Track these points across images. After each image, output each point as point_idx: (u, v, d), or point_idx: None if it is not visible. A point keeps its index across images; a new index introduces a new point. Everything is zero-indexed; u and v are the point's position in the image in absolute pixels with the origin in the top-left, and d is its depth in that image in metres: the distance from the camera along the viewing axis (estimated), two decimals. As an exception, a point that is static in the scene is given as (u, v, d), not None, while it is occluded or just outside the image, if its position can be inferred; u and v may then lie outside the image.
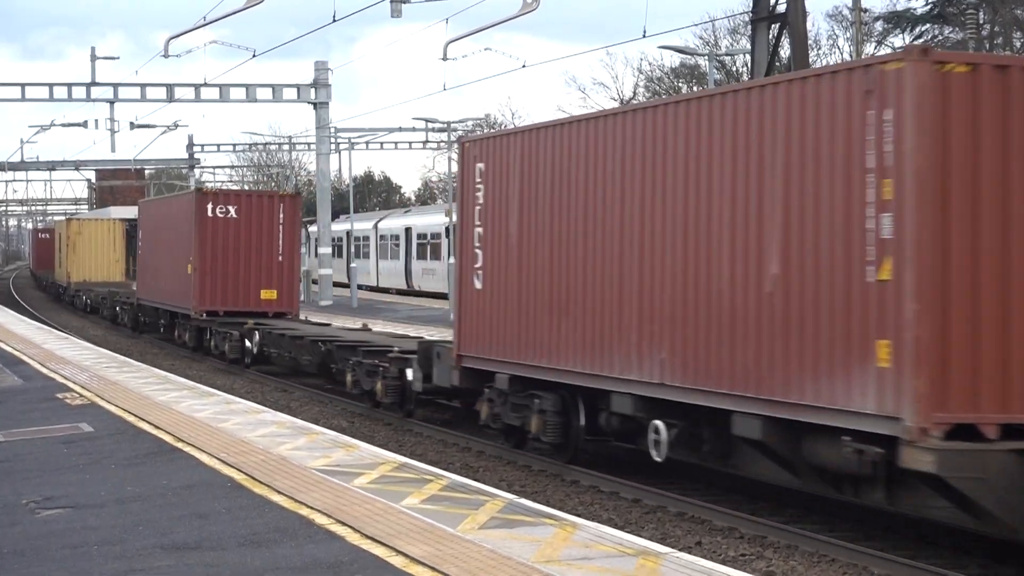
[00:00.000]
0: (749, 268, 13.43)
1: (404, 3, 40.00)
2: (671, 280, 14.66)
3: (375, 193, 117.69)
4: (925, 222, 11.50)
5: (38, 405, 21.11)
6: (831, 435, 12.46)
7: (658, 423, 15.07)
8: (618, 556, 10.21)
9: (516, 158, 18.03)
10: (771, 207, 13.12)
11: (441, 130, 71.12)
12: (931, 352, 11.43)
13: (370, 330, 31.14)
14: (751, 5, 29.34)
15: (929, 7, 61.27)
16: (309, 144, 78.54)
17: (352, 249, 70.38)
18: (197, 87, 54.77)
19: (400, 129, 76.76)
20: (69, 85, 55.41)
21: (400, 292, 62.81)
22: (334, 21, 39.73)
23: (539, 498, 15.59)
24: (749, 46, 30.24)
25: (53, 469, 15.32)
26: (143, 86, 55.85)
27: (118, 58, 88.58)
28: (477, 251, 18.84)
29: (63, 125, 72.44)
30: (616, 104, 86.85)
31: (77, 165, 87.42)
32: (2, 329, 39.62)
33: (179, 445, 16.22)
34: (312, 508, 12.08)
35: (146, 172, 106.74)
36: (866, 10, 62.64)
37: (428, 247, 60.43)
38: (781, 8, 27.42)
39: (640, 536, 12.26)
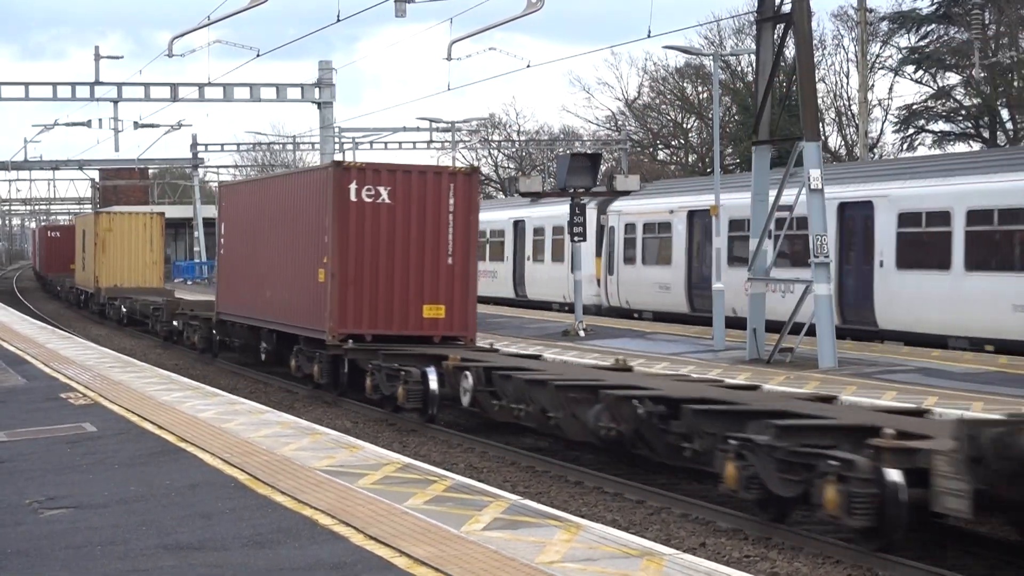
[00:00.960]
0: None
1: (408, 3, 39.98)
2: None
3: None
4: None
5: (41, 405, 21.09)
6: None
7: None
8: (622, 557, 10.18)
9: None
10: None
11: (445, 130, 71.17)
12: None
13: (631, 368, 21.94)
14: (756, 5, 29.30)
15: (934, 7, 61.28)
16: (313, 144, 78.53)
17: None
18: (201, 86, 54.78)
19: (404, 129, 76.77)
20: (73, 84, 55.40)
21: None
22: (338, 21, 39.57)
23: (543, 499, 15.57)
24: (754, 46, 30.17)
25: (56, 469, 15.30)
26: (147, 85, 55.87)
27: (122, 57, 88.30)
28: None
29: (67, 124, 72.49)
30: (621, 103, 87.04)
31: (81, 164, 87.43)
32: (8, 330, 39.61)
33: (182, 445, 16.20)
34: (316, 509, 12.05)
35: (150, 172, 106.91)
36: (871, 10, 62.57)
37: None
38: (786, 8, 27.38)
39: (644, 537, 12.23)
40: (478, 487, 13.44)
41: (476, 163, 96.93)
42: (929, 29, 62.56)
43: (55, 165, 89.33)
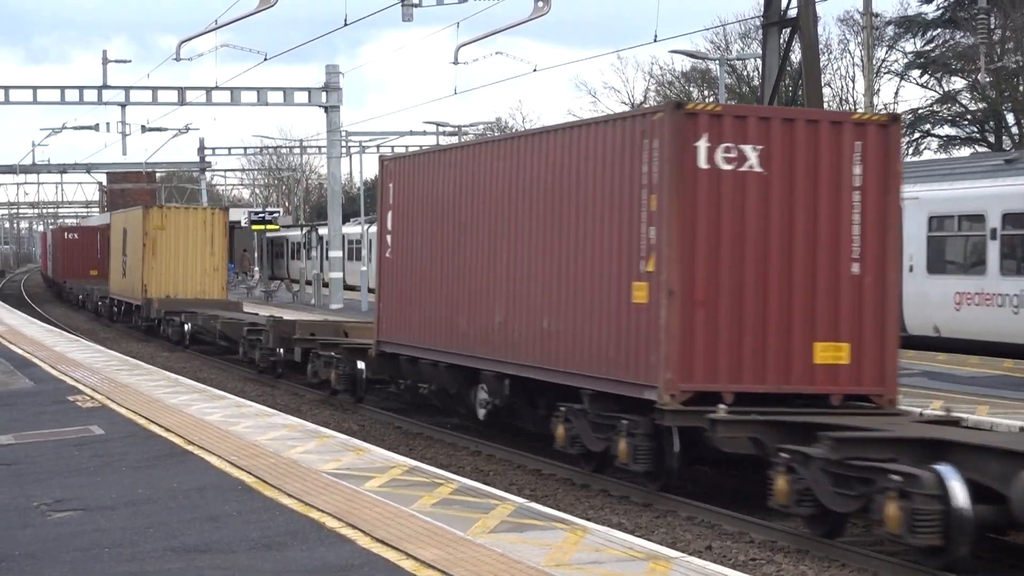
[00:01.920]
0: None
1: (415, 7, 40.04)
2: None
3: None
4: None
5: (49, 408, 21.14)
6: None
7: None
8: (628, 560, 10.21)
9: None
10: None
11: (452, 134, 71.22)
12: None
13: None
14: (762, 10, 29.32)
15: (940, 12, 61.25)
16: (320, 147, 78.64)
17: (368, 252, 70.05)
18: (208, 90, 54.83)
19: (411, 133, 76.81)
20: (81, 88, 55.47)
21: None
22: (345, 25, 39.61)
23: (549, 502, 15.59)
24: (760, 51, 30.20)
25: (64, 471, 15.35)
26: (154, 89, 55.92)
27: (130, 61, 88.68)
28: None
29: (74, 128, 72.57)
30: (627, 107, 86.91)
31: (89, 168, 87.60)
32: (16, 333, 39.67)
33: (190, 448, 16.24)
34: (323, 511, 12.09)
35: (157, 175, 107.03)
36: (877, 15, 62.53)
37: None
38: (792, 13, 27.41)
39: (650, 540, 12.25)
40: (485, 490, 13.47)
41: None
42: (935, 34, 62.52)
43: (63, 169, 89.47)
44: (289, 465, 14.72)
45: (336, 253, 55.58)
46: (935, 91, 64.78)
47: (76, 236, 75.46)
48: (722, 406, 14.90)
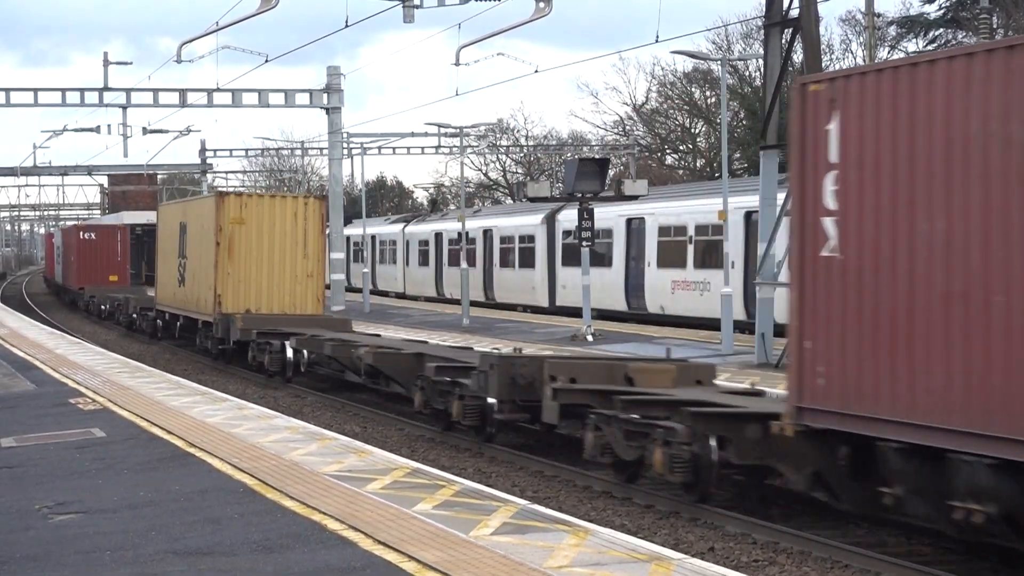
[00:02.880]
0: None
1: (416, 8, 40.03)
2: None
3: (387, 198, 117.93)
4: None
5: (50, 410, 21.13)
6: None
7: None
8: (631, 562, 10.19)
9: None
10: None
11: (454, 135, 71.18)
12: None
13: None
14: (764, 10, 29.31)
15: (942, 12, 61.28)
16: (321, 149, 78.64)
17: (374, 254, 69.88)
18: (209, 92, 54.84)
19: (412, 134, 76.82)
20: (82, 90, 55.46)
21: (429, 299, 60.80)
22: (347, 26, 39.58)
23: (552, 504, 15.57)
24: (762, 51, 30.17)
25: (65, 474, 15.33)
26: (156, 91, 55.94)
27: (131, 63, 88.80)
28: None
29: (76, 130, 72.56)
30: (629, 108, 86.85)
31: (90, 170, 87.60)
32: (18, 336, 39.67)
33: (191, 450, 16.23)
34: (324, 514, 12.07)
35: (158, 177, 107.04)
36: (879, 15, 62.59)
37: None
38: (794, 13, 27.39)
39: (653, 542, 12.23)
40: (487, 492, 13.46)
41: (484, 168, 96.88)
42: (937, 33, 62.52)
43: (64, 171, 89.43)
44: (291, 467, 14.71)
45: (338, 255, 55.58)
46: (937, 91, 64.74)
47: (94, 236, 65.92)
48: None
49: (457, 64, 42.50)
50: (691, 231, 38.75)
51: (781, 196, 27.69)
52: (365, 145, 68.80)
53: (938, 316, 11.78)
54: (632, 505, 16.15)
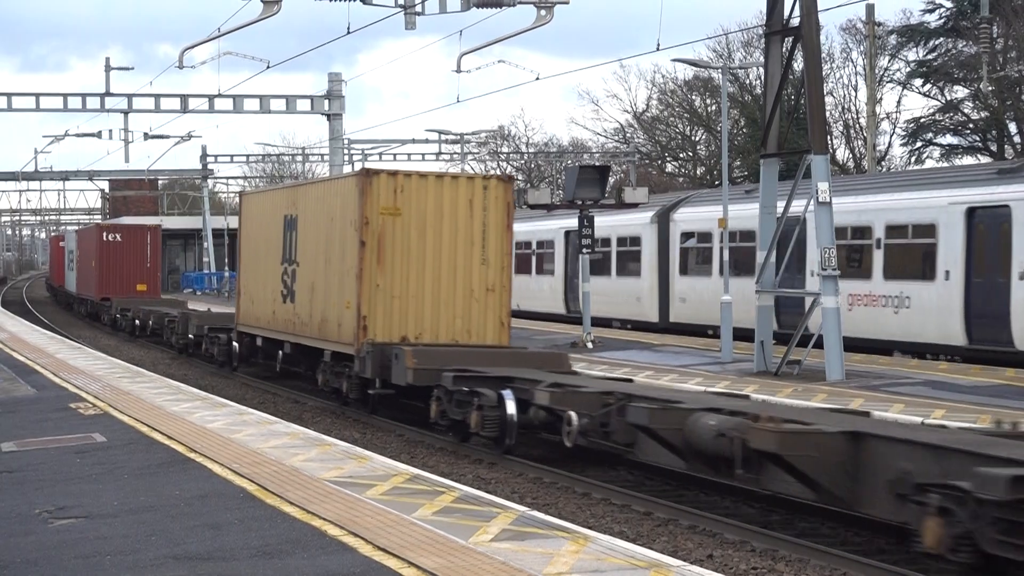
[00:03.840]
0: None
1: (418, 15, 40.08)
2: None
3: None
4: None
5: (51, 415, 21.15)
6: None
7: None
8: (630, 569, 10.21)
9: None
10: None
11: (455, 142, 71.31)
12: None
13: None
14: (765, 18, 29.36)
15: (943, 21, 61.38)
16: (322, 155, 78.73)
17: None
18: (211, 98, 54.88)
19: (413, 141, 76.90)
20: (83, 95, 55.50)
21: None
22: (348, 33, 39.64)
23: (551, 510, 15.59)
24: (762, 59, 30.21)
25: (66, 479, 15.35)
26: (157, 97, 55.96)
27: (132, 68, 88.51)
28: None
29: (77, 135, 72.69)
30: (629, 116, 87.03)
31: (91, 175, 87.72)
32: (18, 340, 39.66)
33: (192, 455, 16.25)
34: (325, 519, 12.09)
35: (159, 182, 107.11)
36: (880, 24, 62.69)
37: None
38: (795, 22, 27.43)
39: (652, 549, 12.24)
40: (486, 498, 13.47)
41: (485, 175, 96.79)
42: (937, 43, 62.64)
43: (65, 176, 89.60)
44: (291, 473, 14.73)
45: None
46: (937, 100, 64.90)
47: (119, 237, 56.33)
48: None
49: (459, 71, 42.62)
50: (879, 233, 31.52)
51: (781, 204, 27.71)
52: (366, 151, 68.89)
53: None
54: (631, 512, 16.18)
